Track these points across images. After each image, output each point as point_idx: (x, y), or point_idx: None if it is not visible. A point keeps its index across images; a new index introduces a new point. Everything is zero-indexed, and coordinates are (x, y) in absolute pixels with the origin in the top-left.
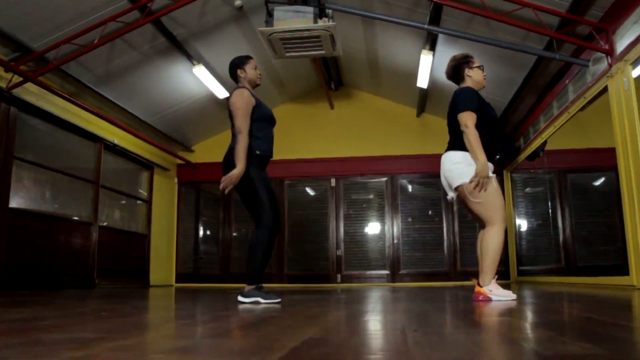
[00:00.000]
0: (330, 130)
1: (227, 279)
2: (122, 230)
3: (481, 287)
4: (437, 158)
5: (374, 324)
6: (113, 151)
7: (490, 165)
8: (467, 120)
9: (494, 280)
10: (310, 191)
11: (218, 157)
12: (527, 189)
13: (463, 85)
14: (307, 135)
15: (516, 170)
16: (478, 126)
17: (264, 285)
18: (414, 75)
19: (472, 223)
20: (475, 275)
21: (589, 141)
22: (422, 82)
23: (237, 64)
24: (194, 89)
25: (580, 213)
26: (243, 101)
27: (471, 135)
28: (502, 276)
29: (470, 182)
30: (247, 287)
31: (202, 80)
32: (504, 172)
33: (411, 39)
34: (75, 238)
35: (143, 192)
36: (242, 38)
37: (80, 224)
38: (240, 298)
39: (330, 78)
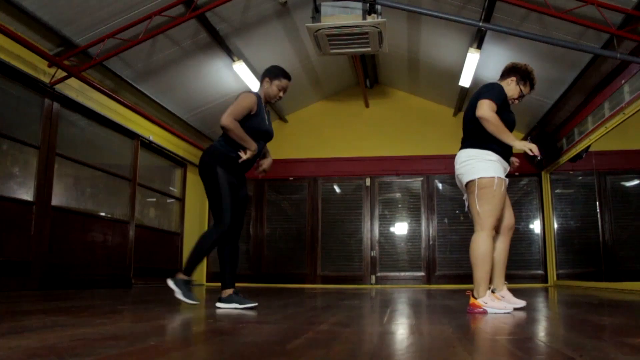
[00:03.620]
0: (365, 129)
1: (258, 278)
2: (156, 229)
3: (475, 299)
4: None
5: None
6: (148, 148)
7: (506, 166)
8: (487, 106)
9: (489, 292)
10: (344, 190)
11: None
12: (567, 191)
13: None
14: (342, 134)
15: (555, 172)
16: None
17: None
18: (455, 74)
19: None
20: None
21: (630, 142)
22: (465, 81)
23: (269, 72)
24: (231, 86)
25: (621, 216)
26: (244, 100)
27: (493, 119)
28: (541, 280)
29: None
30: (180, 275)
31: (241, 76)
32: (542, 173)
33: (458, 37)
34: (112, 236)
35: (175, 190)
36: (284, 34)
37: (118, 222)
38: (177, 296)
39: (366, 76)
